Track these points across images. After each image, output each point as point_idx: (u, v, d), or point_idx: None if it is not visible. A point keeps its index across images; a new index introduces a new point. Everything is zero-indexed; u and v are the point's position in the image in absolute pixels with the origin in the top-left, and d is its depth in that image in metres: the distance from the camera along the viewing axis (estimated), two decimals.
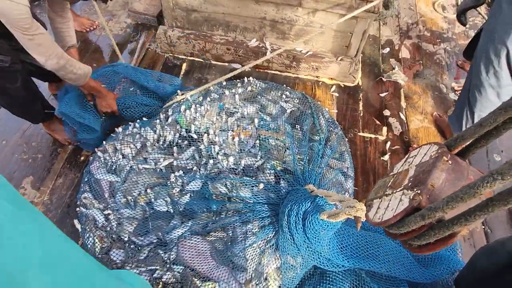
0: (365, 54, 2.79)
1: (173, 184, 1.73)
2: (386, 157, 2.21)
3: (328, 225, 1.35)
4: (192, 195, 1.71)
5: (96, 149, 1.94)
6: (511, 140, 2.35)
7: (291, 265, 1.48)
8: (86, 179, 1.84)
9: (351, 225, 1.62)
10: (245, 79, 2.29)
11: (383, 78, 2.63)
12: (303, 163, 1.82)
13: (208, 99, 2.06)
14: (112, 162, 1.84)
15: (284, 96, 2.22)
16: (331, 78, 2.59)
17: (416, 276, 1.48)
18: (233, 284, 1.45)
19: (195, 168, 1.78)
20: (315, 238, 1.38)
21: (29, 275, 0.35)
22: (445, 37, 3.00)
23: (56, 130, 2.11)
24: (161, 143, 1.88)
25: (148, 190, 1.73)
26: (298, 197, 1.46)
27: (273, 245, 1.52)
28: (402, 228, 0.71)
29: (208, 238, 1.58)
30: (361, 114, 2.42)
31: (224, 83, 2.24)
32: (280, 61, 2.54)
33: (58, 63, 1.59)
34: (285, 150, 1.86)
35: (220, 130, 1.90)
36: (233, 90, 2.16)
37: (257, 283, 1.45)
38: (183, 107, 1.98)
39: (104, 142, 1.95)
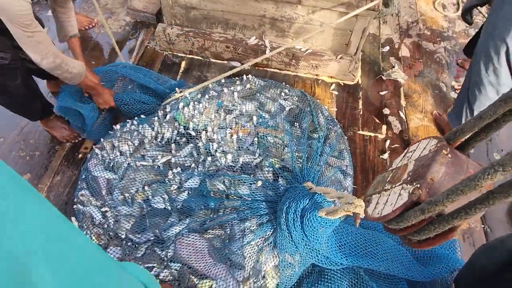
0: (365, 53, 2.78)
1: (171, 181, 1.72)
2: (386, 156, 2.20)
3: (326, 222, 1.34)
4: (190, 192, 1.70)
5: (94, 146, 1.93)
6: (511, 140, 2.34)
7: (289, 263, 1.47)
8: (83, 177, 1.83)
9: (350, 223, 1.61)
10: (244, 77, 2.28)
11: (383, 77, 2.62)
12: (301, 160, 1.81)
13: (207, 96, 2.05)
14: (109, 159, 1.83)
15: (283, 94, 2.21)
16: (331, 76, 2.57)
17: (415, 275, 1.47)
18: (230, 281, 1.43)
19: (193, 165, 1.77)
20: (313, 235, 1.37)
21: (34, 259, 0.34)
22: (445, 36, 2.99)
23: (54, 127, 2.09)
24: (159, 140, 1.87)
25: (146, 187, 1.72)
26: (296, 194, 1.45)
27: (271, 242, 1.51)
28: (402, 223, 0.70)
29: (205, 236, 1.57)
30: (361, 113, 2.41)
31: (223, 80, 2.23)
32: (279, 59, 2.53)
33: (54, 62, 1.58)
34: (284, 148, 1.85)
35: (219, 128, 1.89)
36: (232, 88, 2.15)
37: (254, 281, 1.44)
38: (181, 105, 1.97)
39: (102, 139, 1.94)
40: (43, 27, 1.85)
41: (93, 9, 2.92)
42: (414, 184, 0.70)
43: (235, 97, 2.06)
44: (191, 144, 1.84)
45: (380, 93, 2.53)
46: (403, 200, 0.70)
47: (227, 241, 1.55)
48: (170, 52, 2.66)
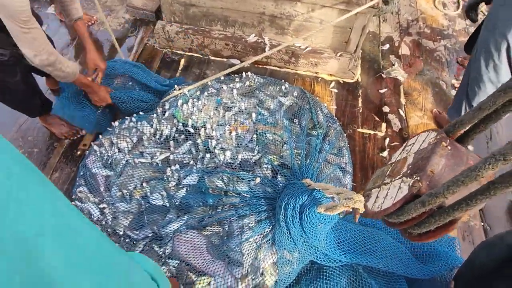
0: (365, 51, 2.77)
1: (169, 178, 1.71)
2: (385, 153, 2.19)
3: (325, 219, 1.33)
4: (188, 189, 1.69)
5: (92, 143, 1.92)
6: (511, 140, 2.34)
7: (288, 260, 1.46)
8: (81, 173, 1.82)
9: (349, 220, 1.60)
10: (243, 74, 2.27)
11: (382, 75, 2.62)
12: (300, 157, 1.80)
13: (206, 93, 2.05)
14: (108, 156, 1.82)
15: (282, 91, 2.21)
16: (330, 74, 2.57)
17: (414, 272, 1.46)
18: (228, 278, 1.42)
19: (191, 162, 1.76)
20: (312, 232, 1.36)
21: (41, 240, 0.33)
22: (446, 34, 2.99)
23: (53, 124, 2.09)
24: (157, 137, 1.86)
25: (144, 184, 1.71)
26: (295, 190, 1.44)
27: (269, 239, 1.50)
28: (402, 216, 0.69)
29: (204, 233, 1.56)
30: (360, 110, 2.41)
31: (222, 78, 2.22)
32: (279, 57, 2.52)
33: (47, 59, 1.56)
34: (283, 145, 1.84)
35: (217, 125, 1.88)
36: (231, 85, 2.14)
37: (253, 278, 1.43)
38: (180, 102, 1.96)
39: (100, 136, 1.93)
40: (42, 24, 1.83)
41: (92, 6, 2.91)
42: (414, 177, 0.69)
43: (234, 94, 2.05)
44: (190, 141, 1.83)
45: (380, 91, 2.53)
46: (403, 193, 0.69)
47: (226, 238, 1.54)
48: (170, 50, 2.65)
